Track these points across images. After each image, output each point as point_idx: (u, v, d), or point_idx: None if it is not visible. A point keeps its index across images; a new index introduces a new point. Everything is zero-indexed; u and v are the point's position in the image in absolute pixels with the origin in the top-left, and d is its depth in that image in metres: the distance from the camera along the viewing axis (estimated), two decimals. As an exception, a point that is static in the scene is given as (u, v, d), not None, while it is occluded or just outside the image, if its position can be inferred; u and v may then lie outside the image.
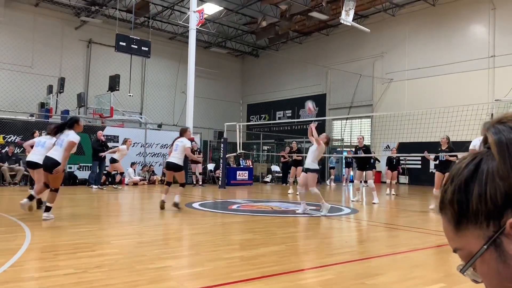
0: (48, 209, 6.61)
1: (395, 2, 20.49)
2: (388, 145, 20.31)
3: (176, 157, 8.30)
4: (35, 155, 7.60)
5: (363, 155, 11.37)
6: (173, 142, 8.58)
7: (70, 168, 15.09)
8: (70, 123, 6.86)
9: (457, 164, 0.65)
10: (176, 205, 8.29)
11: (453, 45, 19.31)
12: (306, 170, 8.33)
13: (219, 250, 4.85)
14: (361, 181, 12.08)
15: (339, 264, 4.34)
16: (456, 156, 9.88)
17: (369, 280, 3.70)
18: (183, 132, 8.58)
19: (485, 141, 0.64)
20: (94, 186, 13.73)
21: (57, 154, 6.65)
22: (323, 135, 8.58)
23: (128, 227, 6.67)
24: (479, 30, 18.79)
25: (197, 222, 7.28)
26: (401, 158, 20.70)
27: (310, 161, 8.27)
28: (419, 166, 20.26)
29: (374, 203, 10.77)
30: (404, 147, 19.32)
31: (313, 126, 8.36)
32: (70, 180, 14.65)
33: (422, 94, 19.84)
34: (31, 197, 7.03)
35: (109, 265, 3.94)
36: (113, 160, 13.71)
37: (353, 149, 12.00)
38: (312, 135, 8.31)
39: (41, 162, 6.98)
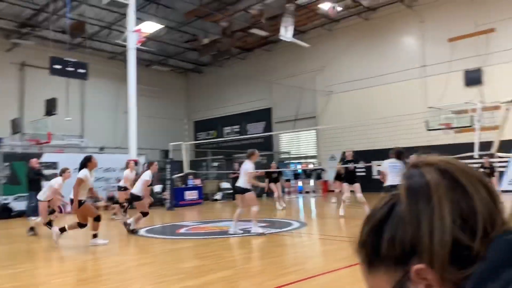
0: (95, 236, 7.26)
1: (331, 18, 21.23)
2: (333, 156, 20.85)
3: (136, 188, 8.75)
4: None
5: (353, 166, 11.07)
6: None
7: (5, 199, 14.17)
8: (83, 163, 7.34)
9: (376, 204, 0.65)
10: (129, 229, 8.43)
11: (387, 57, 20.27)
12: (243, 191, 7.93)
13: (166, 281, 4.68)
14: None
15: (291, 284, 4.32)
16: None
17: (316, 301, 3.70)
18: (148, 166, 9.21)
19: None
20: (32, 218, 12.97)
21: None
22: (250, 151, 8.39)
23: (68, 262, 6.30)
24: (410, 42, 19.87)
25: (143, 251, 7.02)
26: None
27: (246, 182, 7.85)
28: (364, 174, 20.91)
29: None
30: (348, 157, 19.90)
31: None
32: (4, 213, 13.69)
33: (361, 105, 20.59)
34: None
35: (44, 311, 3.67)
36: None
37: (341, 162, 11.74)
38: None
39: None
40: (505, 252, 0.54)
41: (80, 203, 7.15)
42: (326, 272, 4.88)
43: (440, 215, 0.56)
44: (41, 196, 8.80)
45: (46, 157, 15.70)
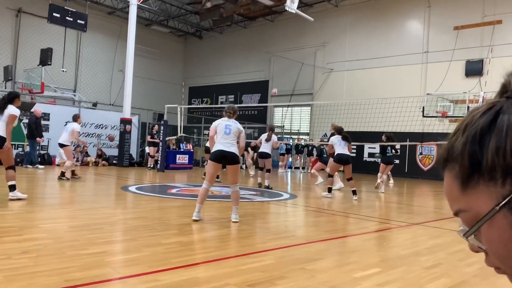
0: (12, 187, 6.44)
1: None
2: (326, 133, 20.85)
3: None
4: None
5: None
6: None
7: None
8: (9, 98, 6.59)
9: (470, 113, 0.57)
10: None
11: (391, 39, 20.08)
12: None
13: (156, 235, 4.69)
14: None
15: (279, 249, 4.36)
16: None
17: (309, 265, 3.74)
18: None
19: (503, 90, 0.56)
20: (29, 166, 13.14)
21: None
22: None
23: (58, 210, 6.28)
24: (415, 26, 19.67)
25: (133, 206, 7.02)
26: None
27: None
28: (354, 155, 21.00)
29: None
30: (341, 136, 19.96)
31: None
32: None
33: (360, 85, 20.51)
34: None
35: (37, 251, 3.66)
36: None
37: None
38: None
39: None
40: None
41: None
42: (315, 241, 4.92)
43: None
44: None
45: (38, 107, 15.46)
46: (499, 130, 0.52)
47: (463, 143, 0.55)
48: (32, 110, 13.96)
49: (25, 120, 14.68)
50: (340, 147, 9.26)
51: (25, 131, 14.28)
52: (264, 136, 11.12)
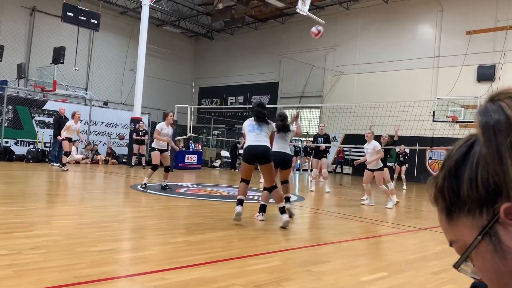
0: (282, 209, 5.81)
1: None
2: (334, 136, 20.79)
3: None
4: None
5: (322, 144, 11.31)
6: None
7: (6, 142, 14.20)
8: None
9: (451, 148, 0.59)
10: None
11: (402, 43, 19.98)
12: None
13: (164, 234, 4.73)
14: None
15: (286, 250, 4.37)
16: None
17: (315, 267, 3.74)
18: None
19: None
20: (55, 164, 13.20)
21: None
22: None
23: (68, 207, 6.35)
24: (427, 30, 19.55)
25: (142, 204, 7.07)
26: (345, 149, 21.33)
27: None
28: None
29: (327, 192, 11.03)
30: (350, 139, 19.95)
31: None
32: (6, 155, 13.77)
33: (370, 89, 20.44)
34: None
35: (47, 247, 3.71)
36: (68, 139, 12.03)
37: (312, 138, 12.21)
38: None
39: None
40: None
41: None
42: (321, 244, 4.93)
43: None
44: None
45: (50, 105, 15.65)
46: (471, 162, 0.54)
47: (442, 178, 0.57)
48: (57, 109, 14.16)
49: (38, 118, 14.87)
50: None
51: (37, 129, 14.44)
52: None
